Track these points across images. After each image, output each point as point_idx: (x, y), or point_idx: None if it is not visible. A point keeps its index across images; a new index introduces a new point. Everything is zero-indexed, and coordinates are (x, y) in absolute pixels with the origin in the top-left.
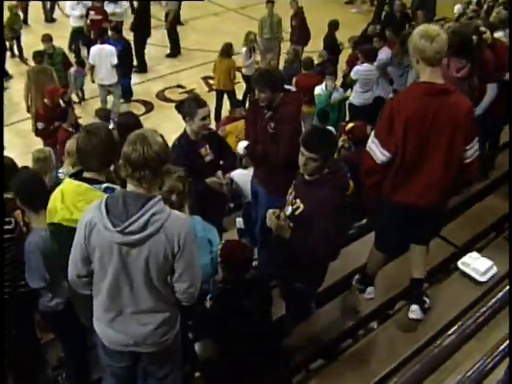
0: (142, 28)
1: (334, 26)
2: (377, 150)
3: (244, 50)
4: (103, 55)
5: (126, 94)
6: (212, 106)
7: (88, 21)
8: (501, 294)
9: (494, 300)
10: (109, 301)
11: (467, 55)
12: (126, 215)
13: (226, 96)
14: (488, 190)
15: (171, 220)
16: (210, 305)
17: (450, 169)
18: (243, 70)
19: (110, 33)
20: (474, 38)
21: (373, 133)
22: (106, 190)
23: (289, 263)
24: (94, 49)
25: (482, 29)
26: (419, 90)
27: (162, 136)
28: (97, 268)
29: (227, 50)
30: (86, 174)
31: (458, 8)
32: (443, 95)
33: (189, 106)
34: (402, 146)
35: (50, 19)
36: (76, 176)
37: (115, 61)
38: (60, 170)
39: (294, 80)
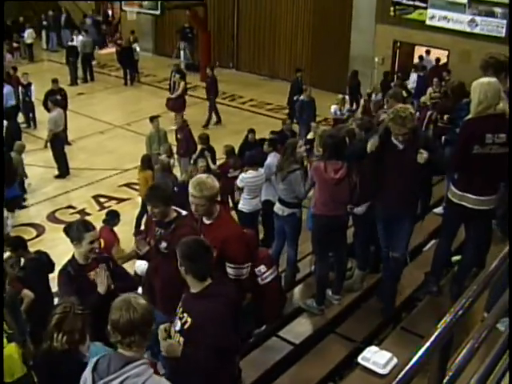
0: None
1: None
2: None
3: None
4: None
5: (13, 204)
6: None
7: None
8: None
9: None
10: None
11: (342, 156)
12: (107, 374)
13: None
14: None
15: None
16: None
17: None
18: None
19: None
20: (347, 139)
21: None
22: None
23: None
24: None
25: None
26: None
27: (144, 298)
28: None
29: (146, 162)
30: None
31: (333, 108)
32: None
33: (77, 229)
34: None
35: None
36: None
37: None
38: None
39: None
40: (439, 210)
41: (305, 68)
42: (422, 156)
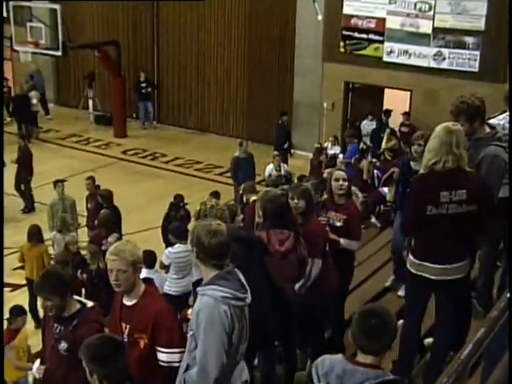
0: None
1: None
2: None
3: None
4: None
5: None
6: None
7: None
8: None
9: None
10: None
11: (286, 225)
12: (241, 285)
13: None
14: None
15: None
16: None
17: None
18: None
19: None
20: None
21: None
22: None
23: None
24: None
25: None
26: None
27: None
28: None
29: (37, 234)
30: None
31: (269, 170)
32: None
33: None
34: None
35: None
36: None
37: None
38: None
39: None
40: None
41: (238, 119)
42: None
